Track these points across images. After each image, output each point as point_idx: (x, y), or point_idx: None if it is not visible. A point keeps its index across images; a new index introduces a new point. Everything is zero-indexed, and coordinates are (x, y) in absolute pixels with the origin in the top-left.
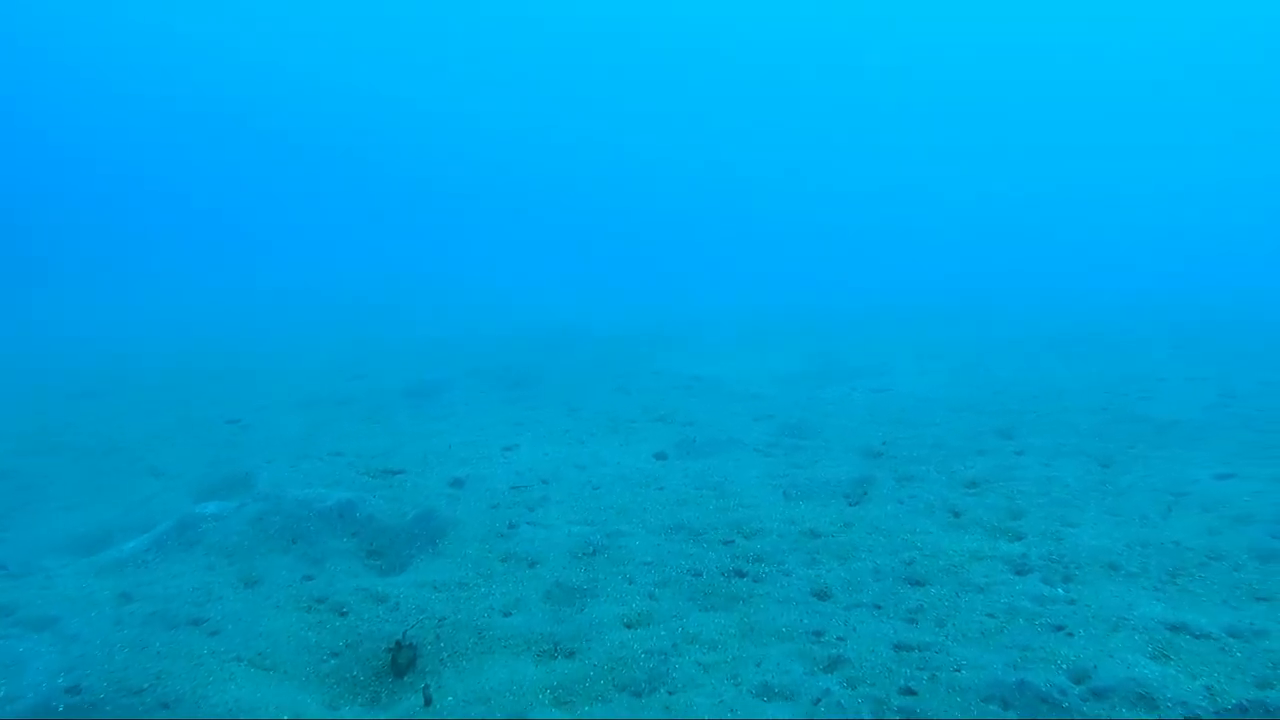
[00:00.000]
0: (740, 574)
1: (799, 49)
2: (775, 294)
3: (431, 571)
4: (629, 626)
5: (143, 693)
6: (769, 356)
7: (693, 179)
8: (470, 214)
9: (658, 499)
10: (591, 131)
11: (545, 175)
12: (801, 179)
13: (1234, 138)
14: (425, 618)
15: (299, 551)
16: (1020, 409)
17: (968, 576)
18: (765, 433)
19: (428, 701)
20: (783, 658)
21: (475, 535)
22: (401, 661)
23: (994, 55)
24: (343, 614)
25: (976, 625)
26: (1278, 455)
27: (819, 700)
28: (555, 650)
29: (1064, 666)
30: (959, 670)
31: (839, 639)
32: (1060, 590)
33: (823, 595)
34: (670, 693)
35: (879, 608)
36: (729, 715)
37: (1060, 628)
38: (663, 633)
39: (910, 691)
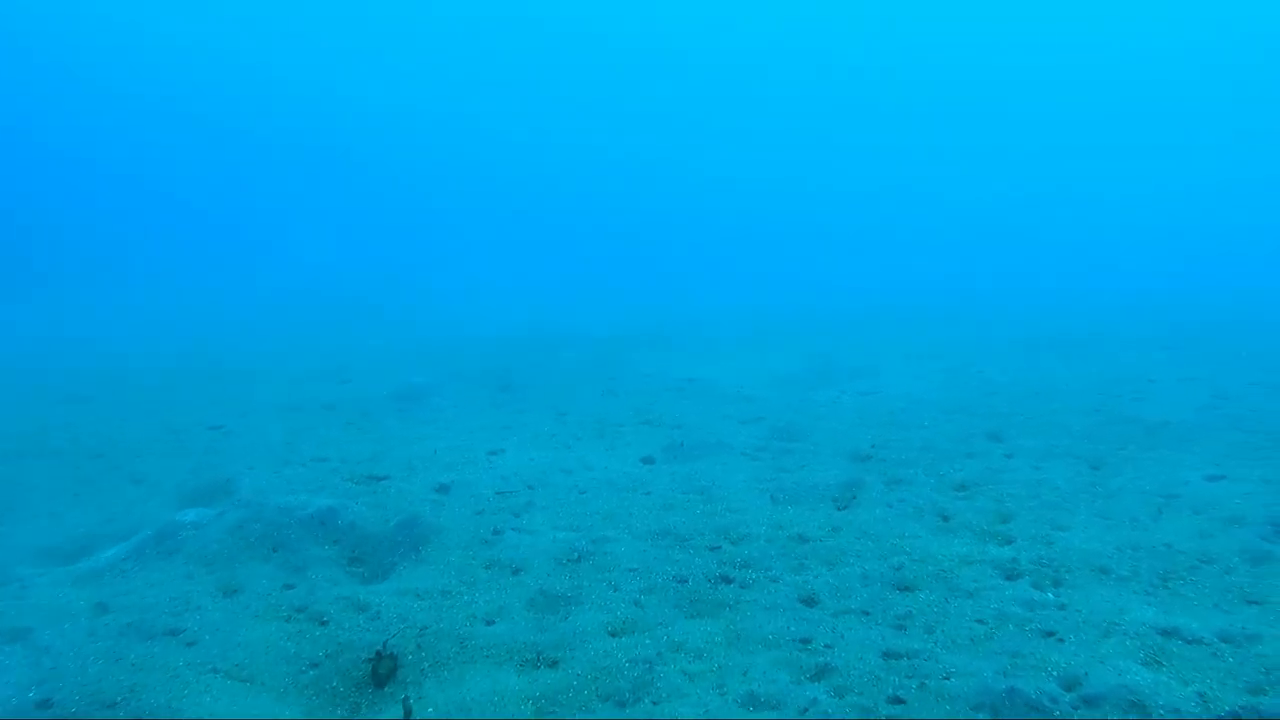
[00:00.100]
0: (727, 580)
1: (796, 49)
2: (770, 294)
3: (414, 579)
4: (613, 635)
5: (116, 706)
6: (762, 358)
7: (689, 179)
8: (465, 215)
9: (644, 504)
10: (586, 132)
11: (540, 176)
12: (797, 179)
13: (1230, 139)
14: (407, 627)
15: (280, 560)
16: (1011, 411)
17: (957, 581)
18: (755, 436)
19: (407, 713)
20: (769, 666)
21: (459, 542)
22: (382, 672)
23: (989, 56)
24: (323, 623)
25: (966, 631)
26: (1268, 456)
27: (806, 710)
28: (538, 660)
29: (1054, 673)
30: (948, 678)
31: (826, 646)
32: (1050, 595)
33: (810, 602)
34: (655, 703)
35: (867, 614)
36: None
37: (1050, 633)
38: (648, 641)
39: (899, 700)
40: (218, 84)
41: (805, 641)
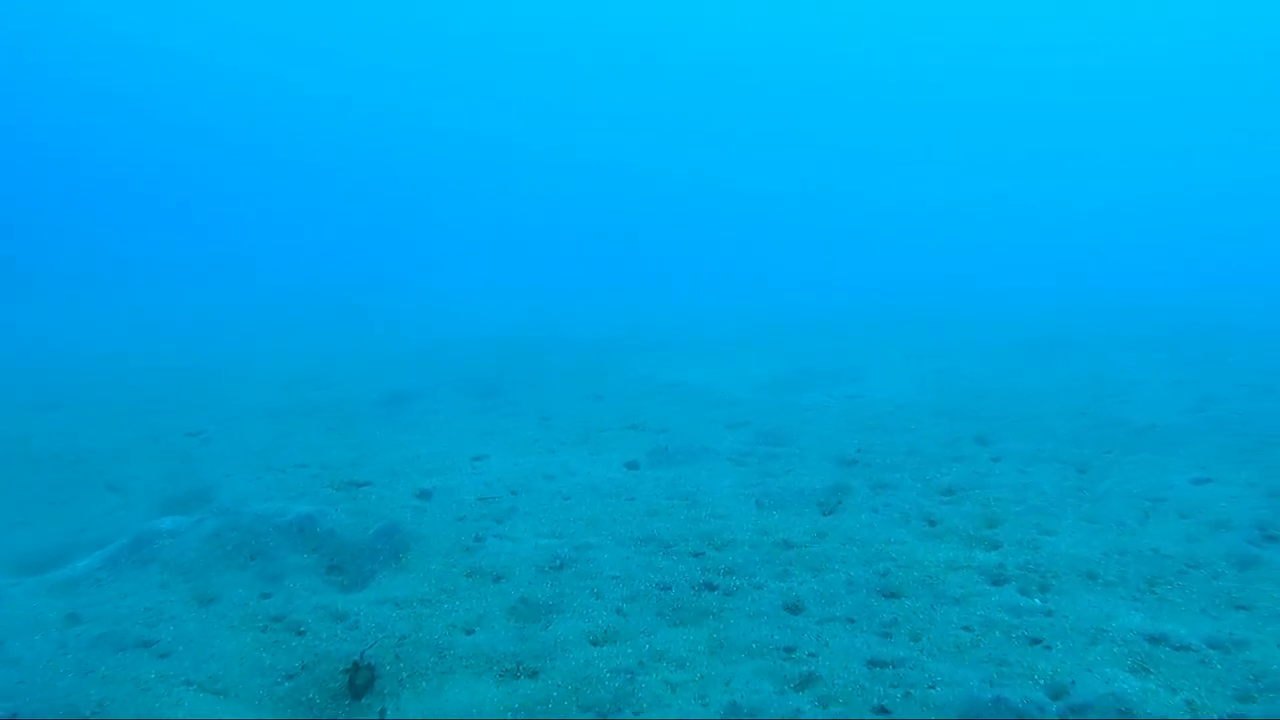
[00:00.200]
0: (711, 587)
1: (785, 50)
2: (758, 297)
3: (394, 587)
4: (595, 644)
5: None
6: (749, 361)
7: (676, 181)
8: (453, 217)
9: (628, 510)
10: (573, 133)
11: (528, 178)
12: (785, 181)
13: (1222, 142)
14: (385, 636)
15: (257, 568)
16: (998, 414)
17: (943, 588)
18: (740, 440)
19: None
20: (752, 676)
21: (440, 549)
22: (359, 683)
23: (983, 57)
24: (300, 633)
25: (952, 639)
26: (1254, 459)
27: None
28: (518, 670)
29: (1041, 682)
30: (933, 687)
31: (810, 655)
32: (1037, 601)
33: (795, 609)
34: (636, 713)
35: (852, 621)
36: None
37: (1037, 640)
38: (629, 650)
39: (884, 710)
40: (208, 84)
41: (789, 650)
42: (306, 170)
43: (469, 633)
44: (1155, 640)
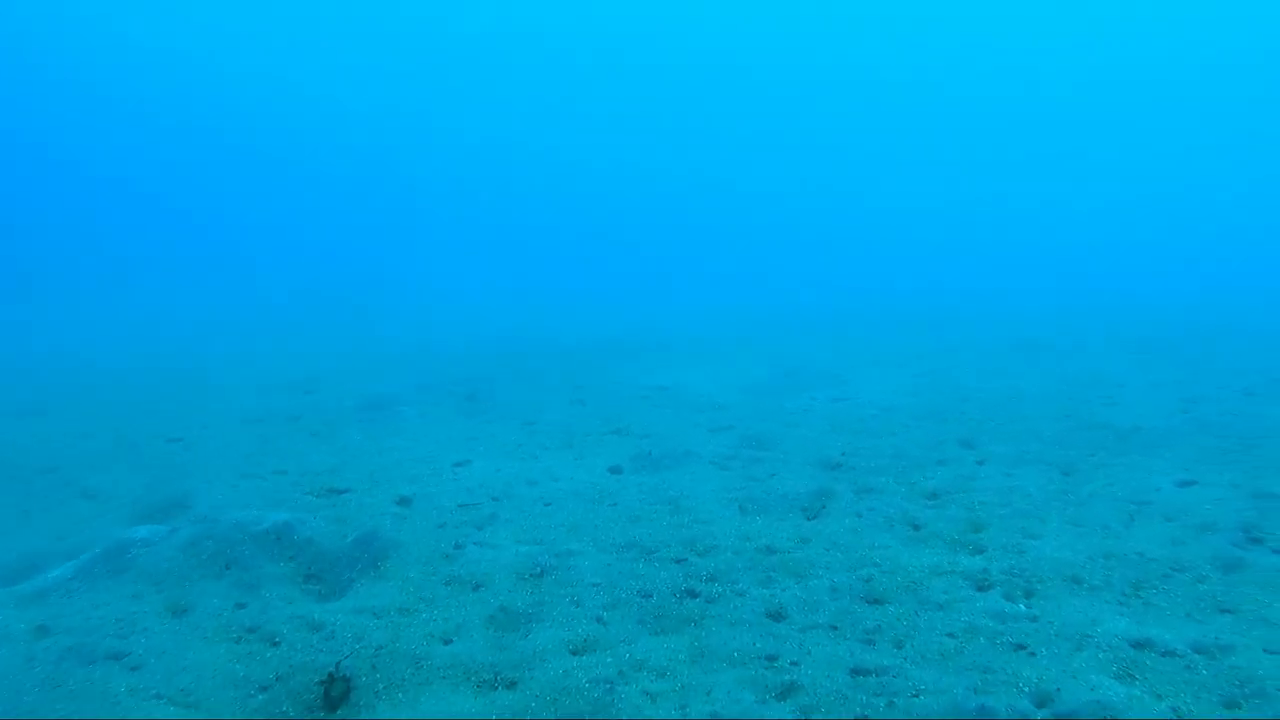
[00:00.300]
0: (692, 594)
1: (780, 51)
2: (750, 298)
3: (372, 596)
4: (575, 653)
5: None
6: (734, 364)
7: (671, 184)
8: (451, 218)
9: (610, 515)
10: (569, 137)
11: (526, 181)
12: (784, 183)
13: (1221, 143)
14: (362, 647)
15: (233, 577)
16: (982, 417)
17: (927, 594)
18: (724, 444)
19: None
20: (733, 685)
21: (419, 557)
22: (334, 694)
23: (979, 60)
24: (275, 644)
25: (936, 646)
26: (1238, 461)
27: None
28: (496, 680)
29: (1026, 689)
30: (917, 695)
31: (793, 664)
32: (1022, 606)
33: (777, 616)
34: None
35: (835, 629)
36: None
37: (1022, 647)
38: (609, 660)
39: None
40: (207, 85)
41: (771, 658)
42: (304, 172)
43: (447, 642)
44: (1140, 646)
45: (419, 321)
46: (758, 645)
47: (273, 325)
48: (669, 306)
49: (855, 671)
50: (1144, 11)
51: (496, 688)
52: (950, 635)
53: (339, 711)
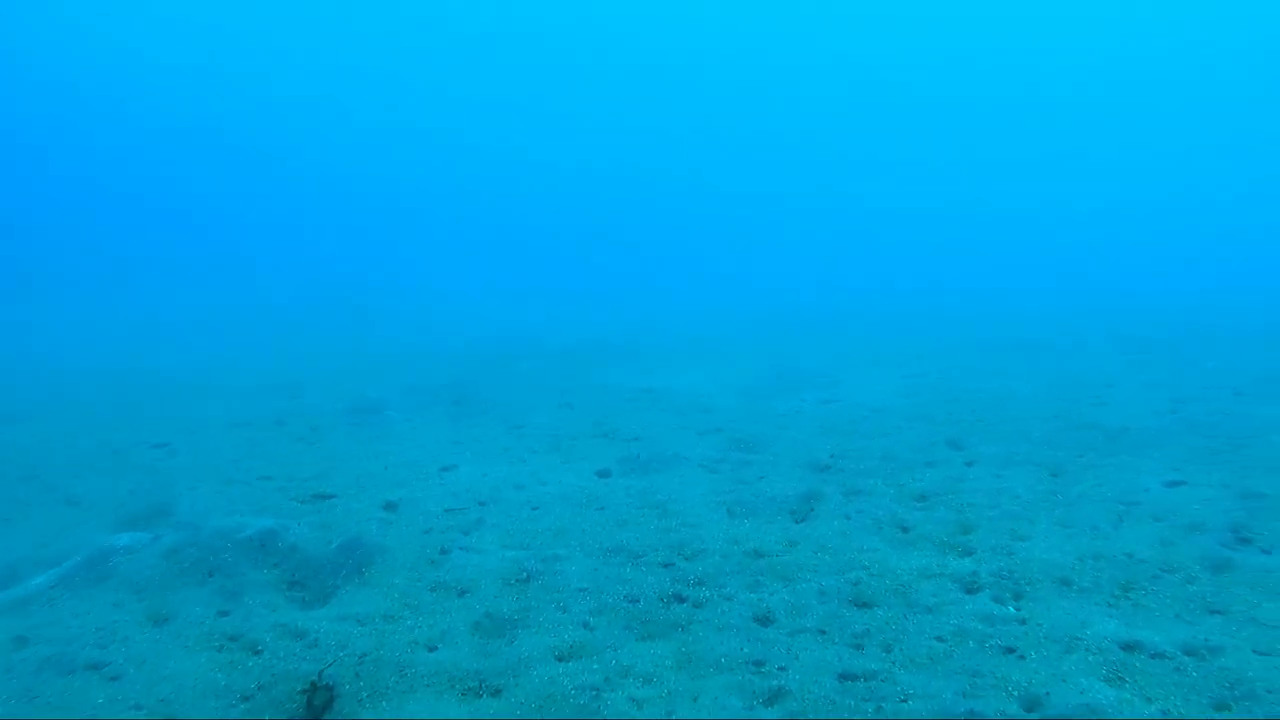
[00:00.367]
0: (680, 599)
1: (777, 52)
2: (735, 301)
3: (356, 603)
4: (560, 659)
5: None
6: (724, 366)
7: (663, 186)
8: (444, 220)
9: (597, 520)
10: (562, 139)
11: (521, 183)
12: (779, 184)
13: (1218, 144)
14: (345, 655)
15: (216, 585)
16: (971, 418)
17: (916, 596)
18: (713, 447)
19: None
20: (720, 691)
21: (404, 563)
22: (317, 703)
23: (976, 61)
24: (257, 652)
25: (925, 650)
26: (1227, 461)
27: None
28: (481, 688)
29: (1015, 693)
30: (906, 700)
31: (780, 669)
32: (1011, 609)
33: (765, 621)
34: None
35: (823, 633)
36: None
37: (1011, 650)
38: (595, 666)
39: None
40: (195, 87)
41: (759, 664)
42: (302, 173)
43: (432, 649)
44: (1130, 648)
45: (410, 323)
46: (745, 650)
47: (266, 327)
48: (662, 308)
49: (843, 676)
50: (1144, 11)
51: (481, 695)
52: (939, 639)
53: None
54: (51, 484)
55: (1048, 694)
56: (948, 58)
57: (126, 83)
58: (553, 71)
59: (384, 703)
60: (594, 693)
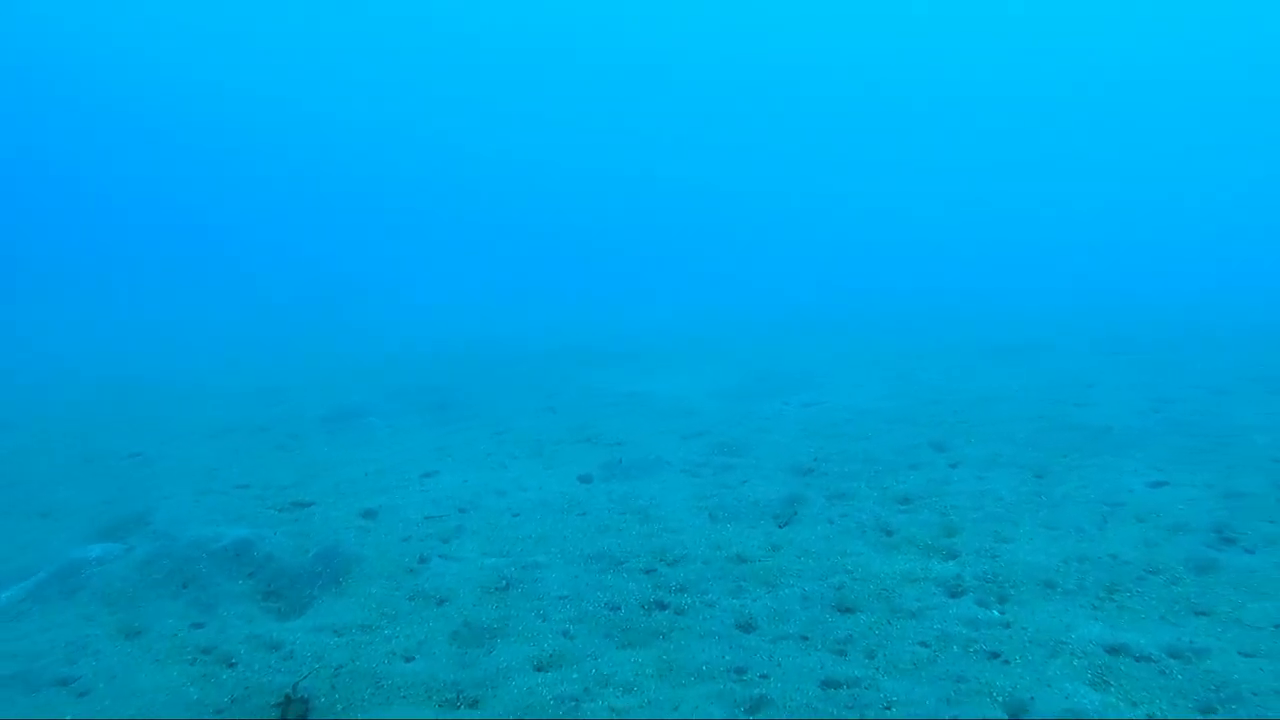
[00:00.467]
0: (661, 606)
1: (754, 58)
2: (725, 304)
3: (333, 614)
4: (539, 669)
5: None
6: (707, 369)
7: (646, 188)
8: (421, 225)
9: (579, 526)
10: (547, 140)
11: (502, 187)
12: (771, 185)
13: (1215, 145)
14: (321, 666)
15: (190, 596)
16: (955, 420)
17: (899, 601)
18: (696, 451)
19: None
20: (701, 700)
21: (382, 571)
22: (291, 717)
23: (972, 63)
24: (231, 665)
25: (908, 655)
26: (1210, 460)
27: None
28: (458, 699)
29: (1000, 699)
30: (889, 708)
31: (762, 677)
32: (995, 612)
33: (747, 627)
34: None
35: (806, 639)
36: None
37: (996, 655)
38: (575, 675)
39: None
40: (192, 95)
41: (740, 671)
42: (289, 178)
43: (409, 660)
44: (1115, 651)
45: (395, 328)
46: (727, 658)
47: (251, 331)
48: (649, 311)
49: (826, 684)
50: (1143, 11)
51: (459, 706)
52: (923, 644)
53: None
54: (26, 494)
55: (1032, 699)
56: (947, 58)
57: (115, 87)
58: (543, 73)
59: (359, 715)
60: (573, 703)
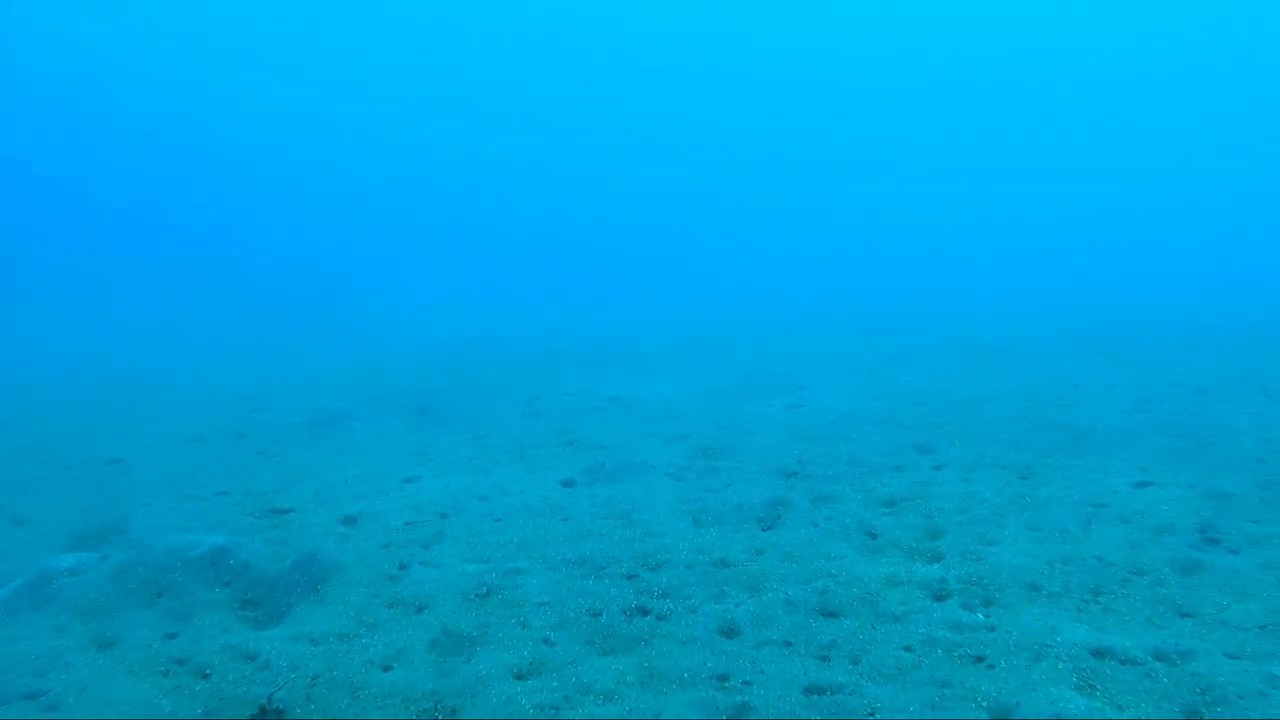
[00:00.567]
0: (643, 612)
1: (753, 59)
2: (713, 307)
3: (310, 622)
4: (519, 678)
5: None
6: (691, 371)
7: (635, 190)
8: (408, 228)
9: (561, 531)
10: (538, 141)
11: (491, 187)
12: (754, 186)
13: (1214, 145)
14: (297, 676)
15: (164, 606)
16: (939, 421)
17: (884, 605)
18: (679, 455)
19: None
20: (682, 708)
21: (361, 579)
22: None
23: (953, 68)
24: (205, 676)
25: (893, 660)
26: (1193, 460)
27: None
28: (436, 709)
29: (985, 704)
30: (873, 714)
31: (745, 683)
32: (980, 616)
33: (730, 633)
34: None
35: (789, 645)
36: None
37: (980, 659)
38: (555, 684)
39: None
40: (183, 97)
41: (723, 678)
42: (275, 181)
43: (387, 669)
44: (1100, 654)
45: (379, 331)
46: (709, 664)
47: (234, 335)
48: (647, 311)
49: (809, 690)
50: (1143, 11)
51: (437, 716)
52: (907, 648)
53: None
54: (1, 502)
55: (1018, 704)
56: (946, 58)
57: (113, 83)
58: (542, 73)
59: None
60: (553, 712)
